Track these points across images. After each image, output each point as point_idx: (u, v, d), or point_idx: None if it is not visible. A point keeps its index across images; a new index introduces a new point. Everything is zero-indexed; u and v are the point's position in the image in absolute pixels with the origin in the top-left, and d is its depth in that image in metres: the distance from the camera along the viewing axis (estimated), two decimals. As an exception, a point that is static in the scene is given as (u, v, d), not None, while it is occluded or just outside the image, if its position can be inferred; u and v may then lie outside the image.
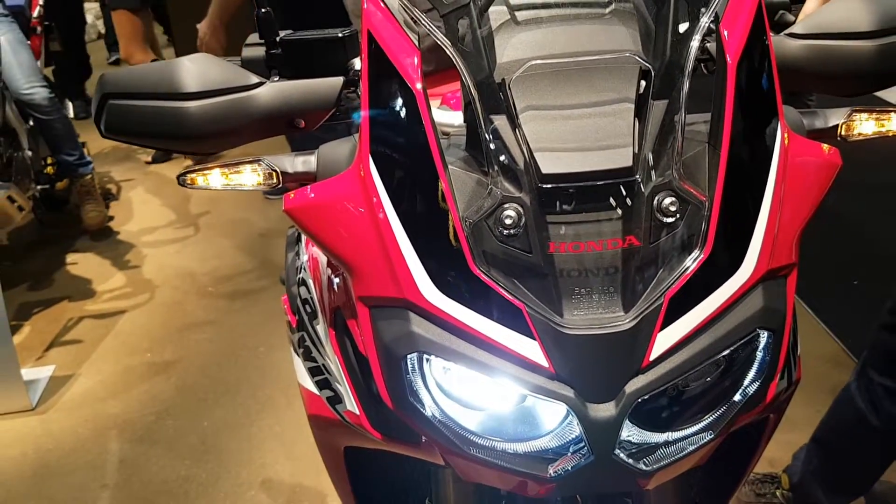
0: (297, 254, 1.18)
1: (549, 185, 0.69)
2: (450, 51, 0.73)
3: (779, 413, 0.96)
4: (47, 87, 3.61)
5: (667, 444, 0.76)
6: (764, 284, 0.74)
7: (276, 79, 0.91)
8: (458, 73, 0.75)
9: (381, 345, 0.76)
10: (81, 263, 3.77)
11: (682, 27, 0.75)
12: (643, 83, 0.73)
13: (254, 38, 0.95)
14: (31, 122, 3.64)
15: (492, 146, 0.72)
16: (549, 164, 0.69)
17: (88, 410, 2.71)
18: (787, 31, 0.89)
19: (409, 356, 0.74)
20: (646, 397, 0.72)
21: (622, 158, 0.69)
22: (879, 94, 1.07)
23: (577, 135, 0.70)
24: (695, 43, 0.72)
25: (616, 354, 0.71)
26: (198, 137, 0.87)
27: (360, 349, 0.86)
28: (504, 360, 0.72)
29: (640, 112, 0.72)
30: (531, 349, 0.71)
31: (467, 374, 0.74)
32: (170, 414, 2.66)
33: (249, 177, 0.87)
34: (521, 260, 0.71)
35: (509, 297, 0.70)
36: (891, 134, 0.90)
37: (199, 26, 2.93)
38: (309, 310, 1.05)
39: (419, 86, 0.72)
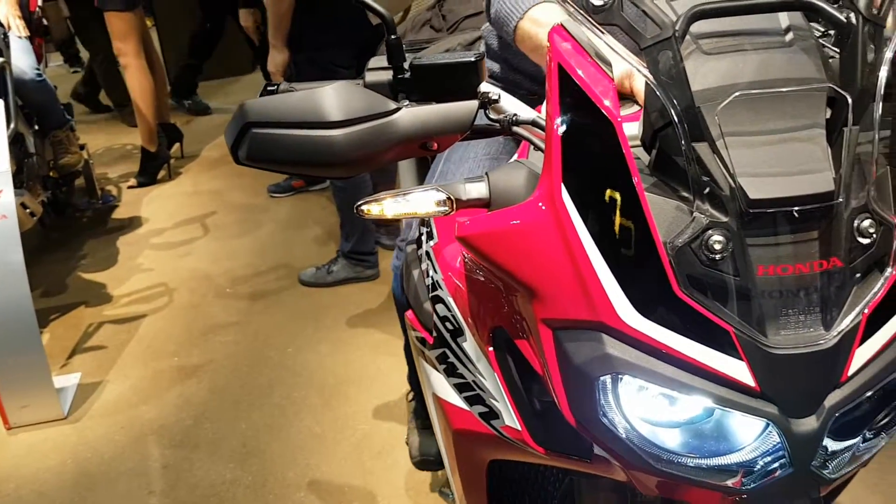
0: (426, 272, 1.20)
1: (756, 210, 0.72)
2: (651, 81, 0.75)
3: None
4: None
5: (848, 450, 0.80)
6: None
7: (407, 103, 0.93)
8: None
9: (569, 366, 0.79)
10: (92, 268, 3.73)
11: (869, 57, 0.78)
12: (829, 110, 0.76)
13: (375, 62, 0.96)
14: (36, 126, 3.60)
15: (694, 172, 0.75)
16: (755, 189, 0.72)
17: (122, 417, 2.69)
18: None
19: (602, 377, 0.77)
20: (843, 410, 0.76)
21: (824, 183, 0.72)
22: None
23: (777, 160, 0.73)
24: (883, 73, 0.76)
25: (818, 371, 0.75)
26: (342, 164, 0.90)
27: (534, 367, 0.89)
28: (705, 379, 0.75)
29: (829, 137, 0.75)
30: (738, 369, 0.74)
31: (660, 393, 0.77)
32: (206, 417, 2.65)
33: (423, 204, 0.89)
34: (726, 283, 0.74)
35: (717, 319, 0.73)
36: None
37: (271, 58, 3.16)
38: (451, 327, 1.07)
39: (616, 114, 0.74)
